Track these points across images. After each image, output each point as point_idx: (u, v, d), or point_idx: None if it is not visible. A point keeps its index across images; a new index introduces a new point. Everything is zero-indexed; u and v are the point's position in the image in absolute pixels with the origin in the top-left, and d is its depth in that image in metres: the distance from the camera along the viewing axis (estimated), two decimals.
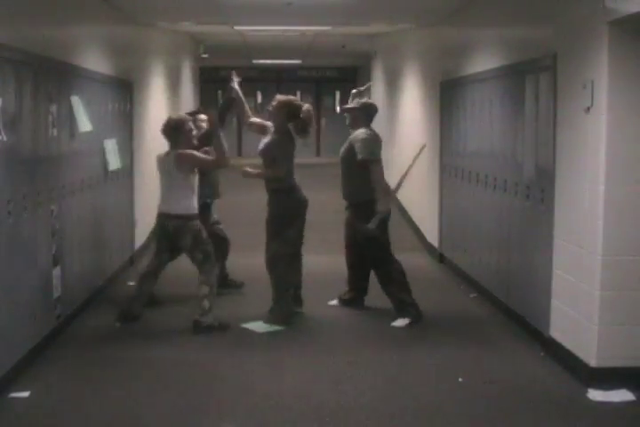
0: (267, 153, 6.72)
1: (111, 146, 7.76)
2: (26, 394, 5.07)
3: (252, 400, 5.05)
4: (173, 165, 6.53)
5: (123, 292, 7.89)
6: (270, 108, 6.83)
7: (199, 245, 6.55)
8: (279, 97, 6.90)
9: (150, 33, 10.95)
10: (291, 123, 6.74)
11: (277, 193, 6.68)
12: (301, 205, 6.72)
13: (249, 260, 8.22)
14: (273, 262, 6.69)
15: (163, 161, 6.67)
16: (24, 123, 5.41)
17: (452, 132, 8.82)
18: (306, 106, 6.79)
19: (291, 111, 6.71)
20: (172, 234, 6.55)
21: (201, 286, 6.55)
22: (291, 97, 6.91)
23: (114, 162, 7.80)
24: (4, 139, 4.99)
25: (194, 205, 6.60)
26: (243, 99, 7.08)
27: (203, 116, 7.57)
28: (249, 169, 6.75)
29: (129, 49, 9.32)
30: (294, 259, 6.81)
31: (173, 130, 6.60)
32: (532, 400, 5.06)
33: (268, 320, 6.66)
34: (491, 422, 4.77)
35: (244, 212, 11.41)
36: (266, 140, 6.79)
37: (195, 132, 6.75)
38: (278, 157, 6.65)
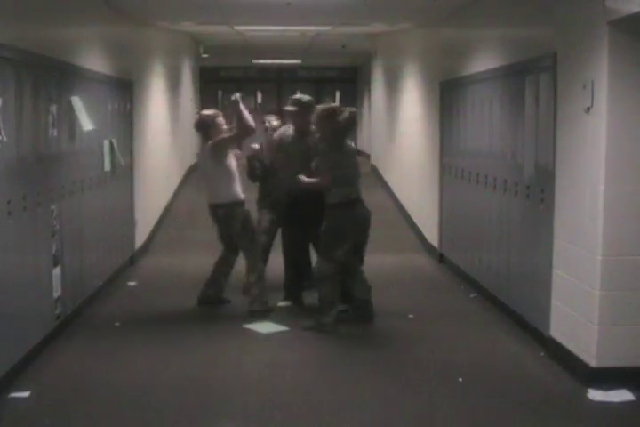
0: (315, 162, 6.57)
1: (107, 146, 7.76)
2: (26, 394, 5.07)
3: (252, 400, 5.05)
4: (209, 156, 6.90)
5: (123, 292, 7.90)
6: (315, 120, 6.66)
7: (247, 231, 6.93)
8: (318, 107, 6.70)
9: (150, 33, 10.96)
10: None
11: (332, 208, 6.47)
12: (356, 223, 6.51)
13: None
14: (320, 280, 6.57)
15: (200, 156, 7.15)
16: (24, 123, 5.41)
17: (452, 133, 8.82)
18: (347, 111, 6.57)
19: (331, 118, 6.51)
20: (223, 221, 6.97)
21: (248, 274, 7.01)
22: (332, 105, 6.74)
23: (107, 163, 7.79)
24: (4, 139, 4.99)
25: (237, 191, 6.95)
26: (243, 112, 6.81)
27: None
28: (303, 177, 6.59)
29: (129, 49, 9.32)
30: (341, 276, 6.60)
31: (205, 125, 6.97)
32: (532, 400, 5.05)
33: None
34: (491, 422, 4.77)
35: None
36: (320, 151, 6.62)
37: (225, 127, 7.02)
38: (321, 167, 6.48)
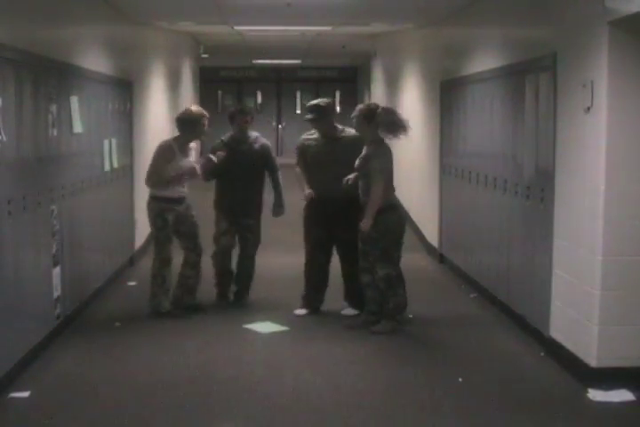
0: (362, 167, 6.43)
1: (107, 146, 7.76)
2: (26, 394, 5.07)
3: (252, 400, 5.05)
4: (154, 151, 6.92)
5: (123, 292, 7.90)
6: (354, 120, 6.53)
7: (152, 227, 6.86)
8: (358, 106, 6.61)
9: (150, 33, 10.95)
10: (380, 129, 6.42)
11: (384, 212, 6.34)
12: (404, 223, 6.52)
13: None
14: (390, 286, 6.37)
15: None
16: (24, 123, 5.41)
17: (451, 132, 8.82)
18: (379, 105, 6.54)
19: (371, 117, 6.40)
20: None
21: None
22: (369, 103, 6.60)
23: (107, 163, 7.79)
24: (4, 139, 4.99)
25: (163, 189, 6.77)
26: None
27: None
28: (366, 222, 6.27)
29: (129, 49, 9.32)
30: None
31: (182, 121, 6.84)
32: (532, 400, 5.05)
33: (377, 329, 6.40)
34: (490, 422, 4.77)
35: None
36: (363, 153, 6.47)
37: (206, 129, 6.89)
38: (371, 171, 6.35)
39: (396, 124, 6.44)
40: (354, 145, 6.69)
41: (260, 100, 24.22)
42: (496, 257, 7.20)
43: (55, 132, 6.12)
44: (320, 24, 11.24)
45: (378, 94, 17.03)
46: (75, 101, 6.63)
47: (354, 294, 6.95)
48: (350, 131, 6.87)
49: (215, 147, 7.24)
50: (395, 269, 6.44)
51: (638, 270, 5.11)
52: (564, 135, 5.61)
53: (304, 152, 7.01)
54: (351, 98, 22.94)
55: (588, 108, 5.17)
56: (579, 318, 5.36)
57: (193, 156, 6.92)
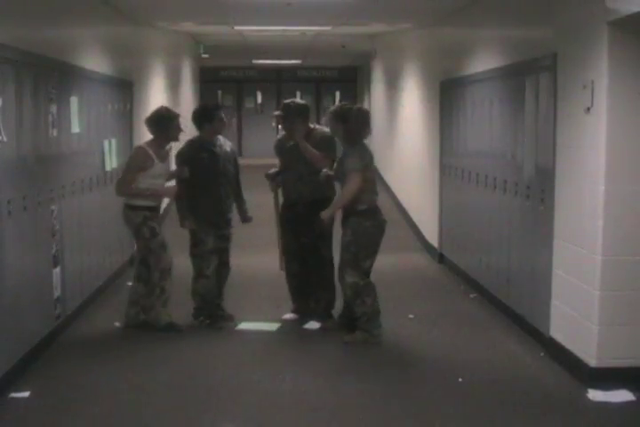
0: (338, 170, 6.23)
1: (107, 146, 7.77)
2: (26, 394, 5.07)
3: (252, 400, 5.05)
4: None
5: (123, 292, 7.90)
6: (326, 121, 6.39)
7: (139, 240, 6.46)
8: (331, 107, 6.46)
9: (150, 33, 10.96)
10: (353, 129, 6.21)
11: (359, 216, 6.12)
12: (381, 232, 6.21)
13: (250, 259, 8.20)
14: (357, 295, 6.14)
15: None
16: (24, 123, 5.41)
17: (452, 132, 8.82)
18: (353, 105, 6.38)
19: (345, 117, 6.20)
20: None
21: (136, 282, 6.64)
22: (342, 103, 6.46)
23: (107, 163, 7.80)
24: (4, 139, 4.99)
25: (141, 198, 6.34)
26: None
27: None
28: (326, 212, 6.16)
29: (129, 49, 9.32)
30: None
31: (152, 122, 6.46)
32: (532, 400, 5.05)
33: (349, 339, 6.23)
34: (491, 422, 4.77)
35: None
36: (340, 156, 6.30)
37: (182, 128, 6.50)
38: (347, 170, 6.11)
39: (368, 126, 6.33)
40: (317, 144, 6.49)
41: (259, 100, 24.23)
42: (496, 257, 7.21)
43: (55, 133, 6.12)
44: (320, 24, 11.25)
45: (378, 94, 17.04)
46: (74, 102, 6.63)
47: (318, 305, 6.77)
48: (322, 129, 6.67)
49: (182, 153, 6.59)
50: (362, 279, 6.17)
51: (638, 270, 5.12)
52: (563, 135, 5.62)
53: (276, 153, 6.87)
54: (351, 98, 22.94)
55: (588, 109, 5.17)
56: (579, 318, 5.36)
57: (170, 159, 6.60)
